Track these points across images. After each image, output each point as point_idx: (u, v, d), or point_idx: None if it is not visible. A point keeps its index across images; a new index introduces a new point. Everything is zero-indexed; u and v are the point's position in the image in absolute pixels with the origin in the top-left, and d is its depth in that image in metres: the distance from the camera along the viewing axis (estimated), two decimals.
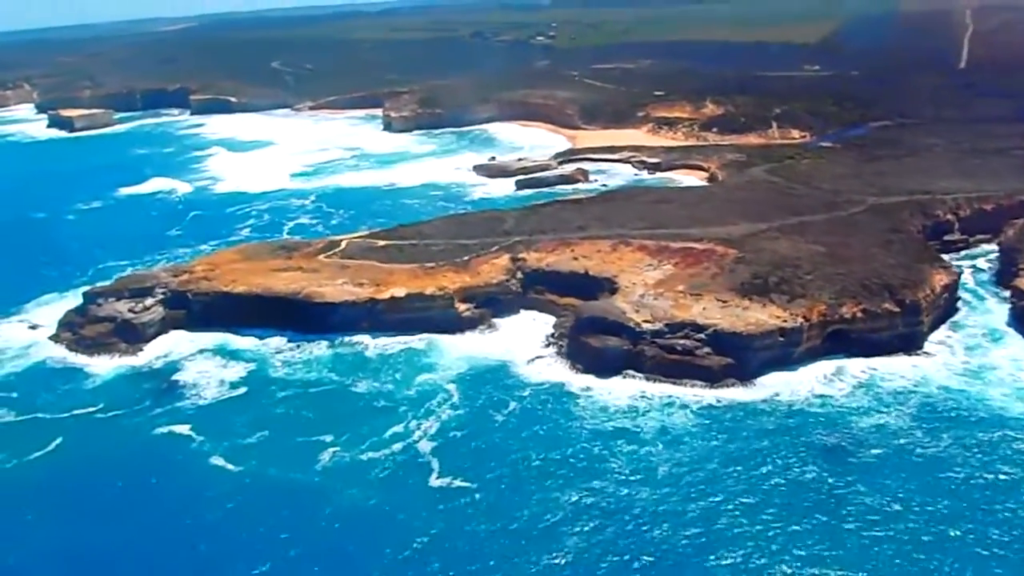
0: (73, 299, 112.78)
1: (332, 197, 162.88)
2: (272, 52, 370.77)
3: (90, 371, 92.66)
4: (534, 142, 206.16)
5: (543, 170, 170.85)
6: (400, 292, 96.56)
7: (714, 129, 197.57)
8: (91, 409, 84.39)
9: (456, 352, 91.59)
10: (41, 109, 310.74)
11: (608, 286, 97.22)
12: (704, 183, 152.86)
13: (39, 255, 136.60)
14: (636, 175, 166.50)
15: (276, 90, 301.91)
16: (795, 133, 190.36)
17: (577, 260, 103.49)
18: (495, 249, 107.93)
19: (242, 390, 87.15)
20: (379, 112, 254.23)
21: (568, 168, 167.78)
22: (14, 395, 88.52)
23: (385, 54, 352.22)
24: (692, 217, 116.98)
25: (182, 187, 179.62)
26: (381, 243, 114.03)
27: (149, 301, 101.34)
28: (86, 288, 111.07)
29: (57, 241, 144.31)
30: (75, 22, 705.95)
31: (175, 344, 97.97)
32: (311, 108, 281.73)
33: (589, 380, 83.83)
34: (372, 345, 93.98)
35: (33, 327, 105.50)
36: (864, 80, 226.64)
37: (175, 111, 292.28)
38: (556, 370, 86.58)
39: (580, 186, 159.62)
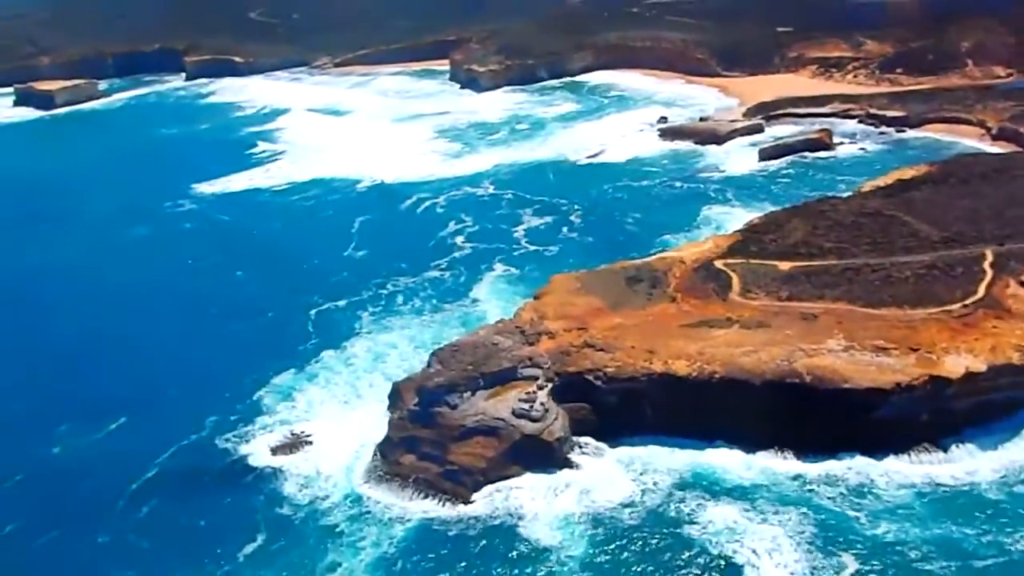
0: (327, 380, 76.03)
1: (520, 183, 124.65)
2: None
3: (536, 542, 54.72)
4: (677, 94, 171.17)
5: (753, 132, 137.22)
6: (978, 364, 61.33)
7: (898, 70, 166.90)
8: None
9: None
10: None
11: None
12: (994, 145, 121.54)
13: (198, 299, 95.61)
14: (881, 133, 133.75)
15: (279, 46, 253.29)
16: (999, 71, 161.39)
17: None
18: (975, 270, 73.86)
19: (851, 567, 51.24)
20: (435, 66, 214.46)
21: (806, 130, 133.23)
22: None
23: None
24: None
25: (288, 180, 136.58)
26: (784, 265, 78.46)
27: (542, 396, 63.64)
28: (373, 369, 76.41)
29: (204, 274, 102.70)
30: None
31: (619, 471, 60.75)
32: (336, 65, 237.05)
33: None
34: (964, 460, 58.80)
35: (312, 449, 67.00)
36: None
37: (167, 76, 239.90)
38: None
39: (834, 154, 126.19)
